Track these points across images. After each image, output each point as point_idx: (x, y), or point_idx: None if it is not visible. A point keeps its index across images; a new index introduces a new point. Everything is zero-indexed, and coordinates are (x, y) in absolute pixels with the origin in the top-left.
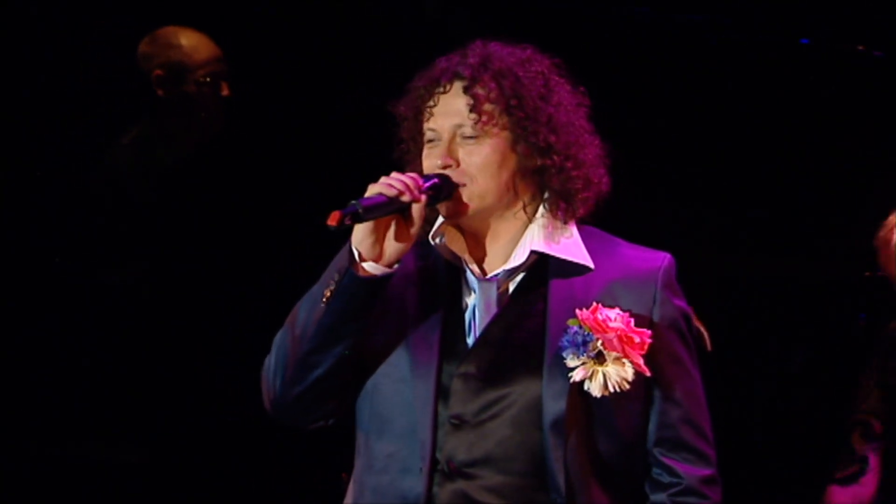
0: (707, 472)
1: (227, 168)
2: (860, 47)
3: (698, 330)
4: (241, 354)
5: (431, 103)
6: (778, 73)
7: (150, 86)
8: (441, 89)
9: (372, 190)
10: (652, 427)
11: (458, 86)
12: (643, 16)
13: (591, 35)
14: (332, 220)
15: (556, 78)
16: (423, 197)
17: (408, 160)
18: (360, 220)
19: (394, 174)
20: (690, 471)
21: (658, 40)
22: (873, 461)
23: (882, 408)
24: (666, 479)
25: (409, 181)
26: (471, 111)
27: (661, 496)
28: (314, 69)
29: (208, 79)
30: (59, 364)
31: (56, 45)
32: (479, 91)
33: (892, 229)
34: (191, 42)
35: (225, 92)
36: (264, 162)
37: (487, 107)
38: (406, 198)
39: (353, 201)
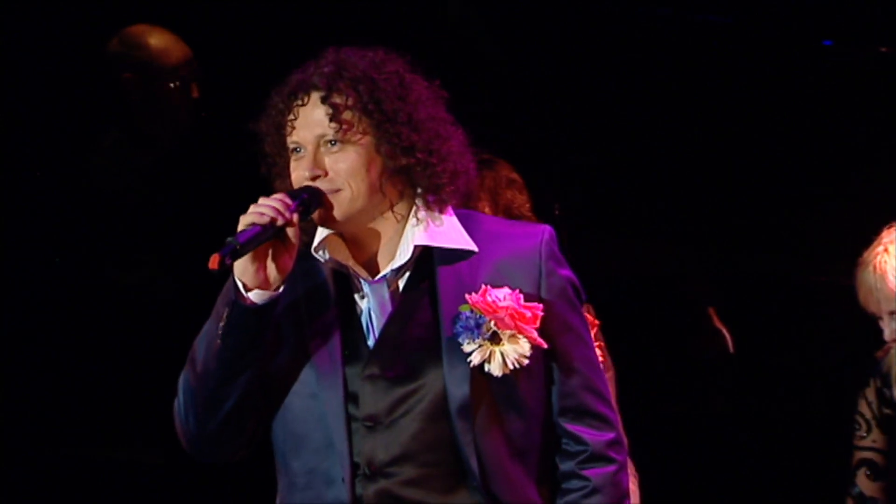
0: (611, 435)
1: (208, 165)
2: (884, 49)
3: (720, 331)
4: None
5: (291, 116)
6: (802, 75)
7: (120, 86)
8: (299, 102)
9: (244, 221)
10: (554, 398)
11: (315, 96)
12: (667, 16)
13: (611, 35)
14: (213, 263)
15: (411, 75)
16: (295, 216)
17: (276, 174)
18: (240, 256)
19: (261, 200)
20: (595, 436)
21: (681, 41)
22: (883, 502)
23: (883, 440)
24: (573, 447)
25: (278, 205)
26: (331, 120)
27: (570, 465)
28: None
29: (178, 83)
30: (74, 366)
31: (28, 49)
32: (337, 100)
33: (864, 266)
34: (160, 44)
35: (195, 94)
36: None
37: (347, 114)
38: (280, 222)
39: (229, 239)
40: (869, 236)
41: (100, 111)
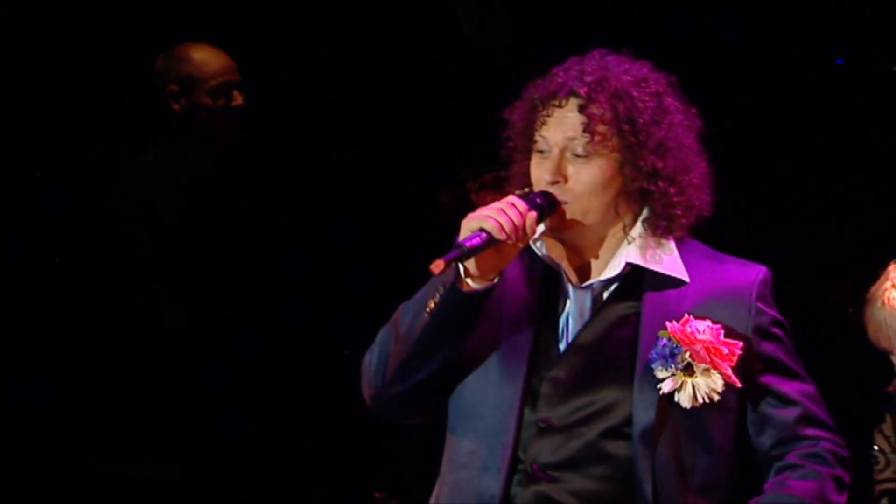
0: (840, 449)
1: (247, 178)
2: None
3: None
4: (268, 365)
5: (546, 114)
6: (813, 93)
7: (166, 101)
8: (556, 103)
9: (475, 224)
10: (769, 430)
11: (573, 102)
12: (680, 33)
13: (627, 44)
14: (437, 268)
15: (671, 99)
16: (527, 227)
17: (514, 159)
18: (465, 261)
19: (497, 205)
20: (824, 444)
21: (694, 57)
22: None
23: None
24: (797, 447)
25: (514, 217)
26: (584, 130)
27: (792, 457)
28: (335, 77)
29: (220, 89)
30: (90, 379)
31: (75, 63)
32: (594, 111)
33: (872, 302)
34: (202, 55)
35: (238, 101)
36: (285, 171)
37: (600, 128)
38: (510, 240)
39: (457, 245)
40: (878, 261)
41: (146, 125)
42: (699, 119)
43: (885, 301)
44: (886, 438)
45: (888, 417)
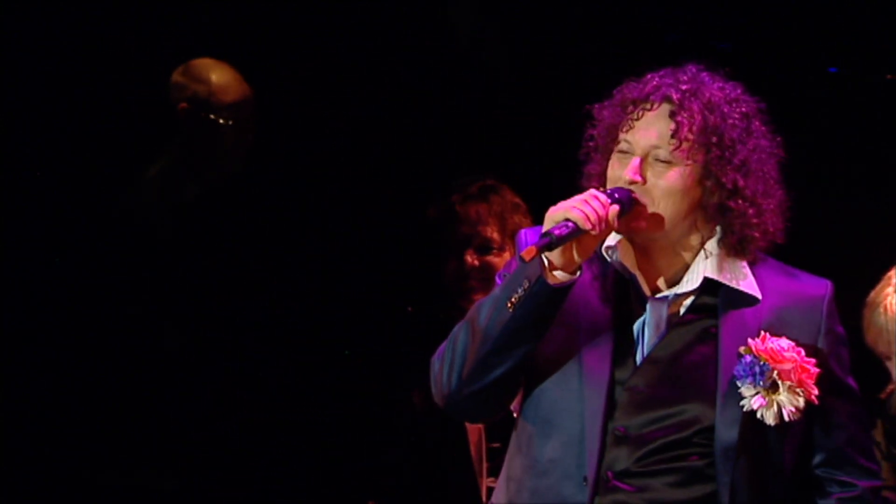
0: (877, 482)
1: (251, 199)
2: (889, 76)
3: None
4: (271, 384)
5: (634, 116)
6: (806, 101)
7: (176, 115)
8: (648, 106)
9: (561, 215)
10: (818, 451)
11: (665, 108)
12: (675, 43)
13: (620, 63)
14: (529, 255)
15: (758, 123)
16: (610, 218)
17: (591, 158)
18: (554, 249)
19: (581, 197)
20: (863, 482)
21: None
22: None
23: (893, 478)
24: (836, 490)
25: (599, 209)
26: (671, 136)
27: (830, 501)
28: (343, 99)
29: (232, 122)
30: (93, 391)
31: (86, 73)
32: (684, 118)
33: (874, 307)
34: (220, 81)
35: (249, 136)
36: (284, 173)
37: (688, 135)
38: (594, 231)
39: (546, 233)
40: (871, 265)
41: (155, 138)
42: (781, 149)
43: (887, 307)
44: (877, 445)
45: (879, 423)
